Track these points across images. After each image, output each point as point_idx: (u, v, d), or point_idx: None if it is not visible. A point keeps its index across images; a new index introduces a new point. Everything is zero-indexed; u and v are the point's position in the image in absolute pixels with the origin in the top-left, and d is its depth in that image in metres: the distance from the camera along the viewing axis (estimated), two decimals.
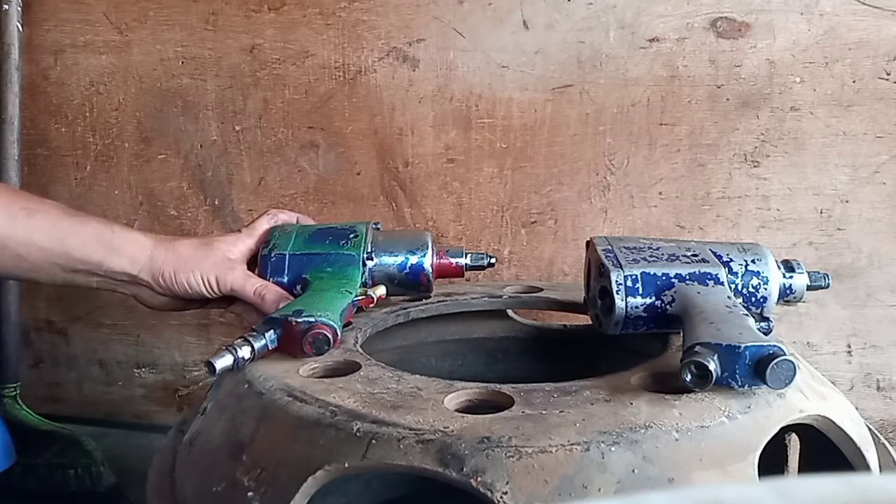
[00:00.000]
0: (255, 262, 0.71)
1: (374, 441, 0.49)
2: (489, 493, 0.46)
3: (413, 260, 0.73)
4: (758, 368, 0.50)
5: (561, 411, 0.51)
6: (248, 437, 0.55)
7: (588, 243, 0.70)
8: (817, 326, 1.03)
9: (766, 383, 0.50)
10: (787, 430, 0.58)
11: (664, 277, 0.62)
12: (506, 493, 0.46)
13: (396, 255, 0.73)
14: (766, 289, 0.64)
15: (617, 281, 0.62)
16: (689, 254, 0.65)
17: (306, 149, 1.12)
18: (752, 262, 0.65)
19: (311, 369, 0.61)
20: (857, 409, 0.64)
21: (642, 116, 1.02)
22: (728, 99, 1.00)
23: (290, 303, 0.64)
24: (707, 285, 0.62)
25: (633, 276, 0.62)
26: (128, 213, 1.19)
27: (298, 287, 0.69)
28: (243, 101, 1.12)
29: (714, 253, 0.65)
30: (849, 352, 1.03)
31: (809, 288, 0.68)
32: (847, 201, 1.00)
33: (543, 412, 0.51)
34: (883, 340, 1.02)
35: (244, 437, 0.55)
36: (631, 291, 0.61)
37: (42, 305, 1.24)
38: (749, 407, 0.52)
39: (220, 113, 1.13)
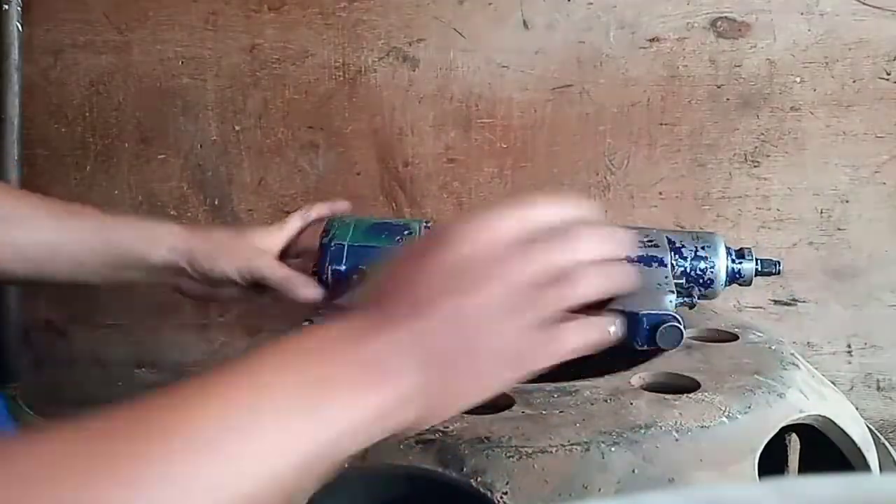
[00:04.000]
0: (286, 255, 0.74)
1: None
2: (489, 494, 0.46)
3: None
4: (652, 332, 0.59)
5: (561, 411, 0.51)
6: None
7: None
8: (817, 326, 1.03)
9: (658, 345, 0.59)
10: (787, 430, 0.59)
11: None
12: (506, 493, 0.46)
13: None
14: (712, 271, 0.72)
15: None
16: (645, 239, 0.73)
17: (306, 149, 1.12)
18: (702, 248, 0.73)
19: None
20: (857, 409, 0.64)
21: (642, 116, 1.02)
22: (728, 99, 1.00)
23: (352, 292, 0.67)
24: (651, 266, 0.70)
25: None
26: (127, 214, 1.18)
27: (354, 277, 0.72)
28: (243, 102, 1.12)
29: (669, 239, 0.73)
30: (849, 352, 1.03)
31: (760, 273, 0.75)
32: (847, 201, 1.00)
33: (543, 412, 0.51)
34: (883, 340, 1.02)
35: None
36: None
37: (42, 305, 1.24)
38: (749, 407, 0.52)
39: (220, 113, 1.13)
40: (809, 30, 0.97)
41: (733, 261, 0.75)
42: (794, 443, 0.73)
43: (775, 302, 1.04)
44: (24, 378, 1.15)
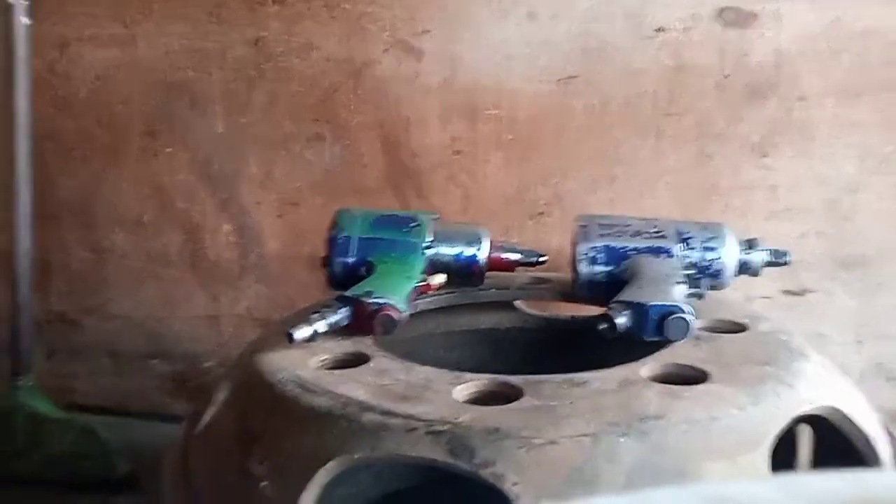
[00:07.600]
0: None
1: (384, 432, 0.50)
2: (499, 484, 0.46)
3: (469, 252, 0.77)
4: (660, 323, 0.60)
5: (570, 402, 0.51)
6: (260, 429, 0.55)
7: (576, 219, 0.79)
8: (826, 317, 1.03)
9: (666, 336, 0.60)
10: (799, 420, 0.59)
11: (622, 250, 0.73)
12: (516, 483, 0.46)
13: (454, 246, 0.77)
14: (720, 262, 0.73)
15: (581, 251, 0.74)
16: (652, 230, 0.74)
17: (312, 141, 1.12)
18: (710, 238, 0.74)
19: (321, 361, 0.61)
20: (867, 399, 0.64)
21: (649, 107, 1.02)
22: (735, 89, 1.00)
23: (361, 283, 0.67)
24: (659, 257, 0.71)
25: (597, 248, 0.73)
26: (136, 207, 1.19)
27: (363, 269, 0.73)
28: (249, 94, 1.12)
29: (677, 230, 0.74)
30: (858, 342, 1.03)
31: (770, 264, 0.76)
32: (855, 191, 0.99)
33: (553, 403, 0.51)
34: (892, 330, 1.01)
35: (256, 428, 0.56)
36: (593, 260, 0.73)
37: (54, 298, 1.25)
38: (759, 398, 0.52)
39: (226, 106, 1.13)
40: (817, 18, 0.96)
41: (742, 251, 0.75)
42: (807, 434, 0.73)
43: (785, 292, 1.03)
44: (37, 369, 1.15)
